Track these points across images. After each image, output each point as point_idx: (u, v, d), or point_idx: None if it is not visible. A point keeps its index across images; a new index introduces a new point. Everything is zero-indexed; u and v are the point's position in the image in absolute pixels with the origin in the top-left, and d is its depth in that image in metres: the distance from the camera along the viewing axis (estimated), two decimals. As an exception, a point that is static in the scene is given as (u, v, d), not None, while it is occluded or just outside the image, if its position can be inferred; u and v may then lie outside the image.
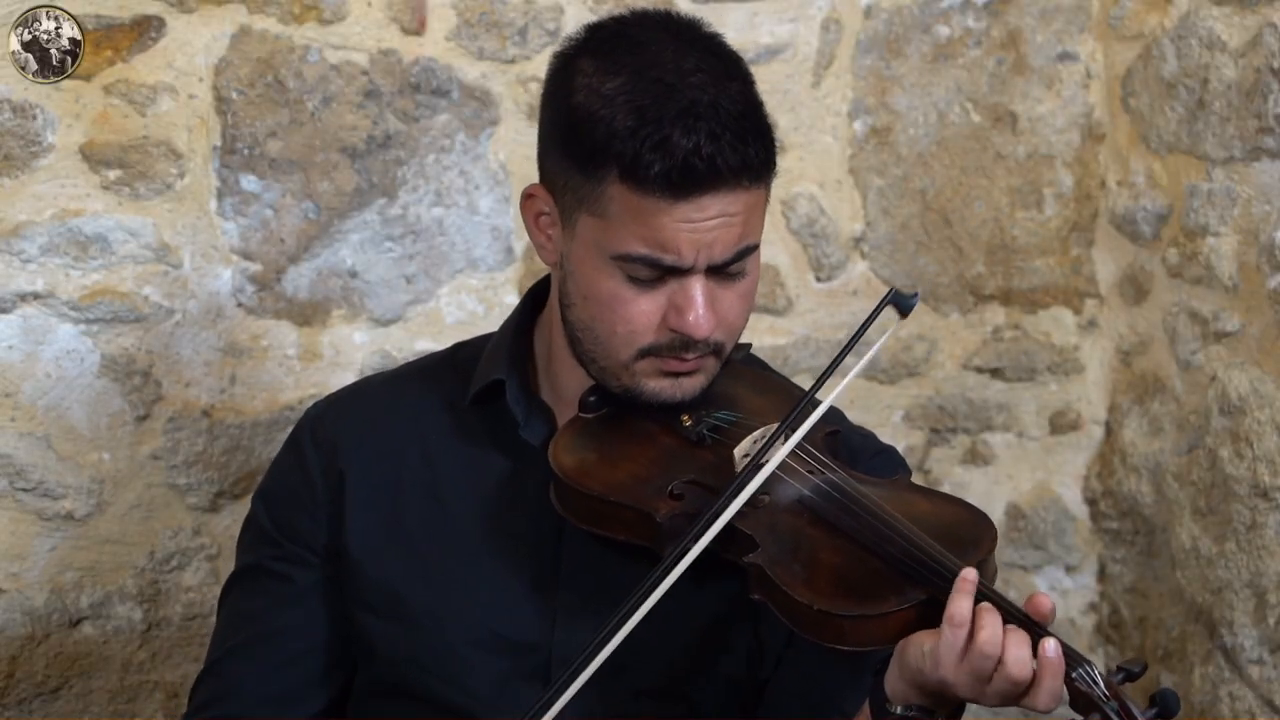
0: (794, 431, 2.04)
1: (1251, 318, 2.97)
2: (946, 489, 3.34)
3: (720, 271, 2.09)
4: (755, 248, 2.12)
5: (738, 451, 2.09)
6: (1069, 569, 3.39)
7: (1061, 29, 3.27)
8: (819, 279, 3.26)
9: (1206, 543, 3.05)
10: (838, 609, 1.93)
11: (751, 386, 2.23)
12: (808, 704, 2.14)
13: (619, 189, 2.04)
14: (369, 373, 2.98)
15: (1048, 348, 3.34)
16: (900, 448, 3.27)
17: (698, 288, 2.07)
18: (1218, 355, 3.04)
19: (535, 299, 2.28)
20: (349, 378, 2.98)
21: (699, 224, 2.04)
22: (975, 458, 3.35)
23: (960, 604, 1.88)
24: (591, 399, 2.18)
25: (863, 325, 2.08)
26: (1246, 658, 2.96)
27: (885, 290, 3.26)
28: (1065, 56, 3.28)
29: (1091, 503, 3.38)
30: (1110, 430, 3.35)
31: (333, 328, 3.00)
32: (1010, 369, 3.33)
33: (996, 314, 3.32)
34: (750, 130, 2.06)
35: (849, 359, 2.09)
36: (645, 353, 2.10)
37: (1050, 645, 1.87)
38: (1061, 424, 3.36)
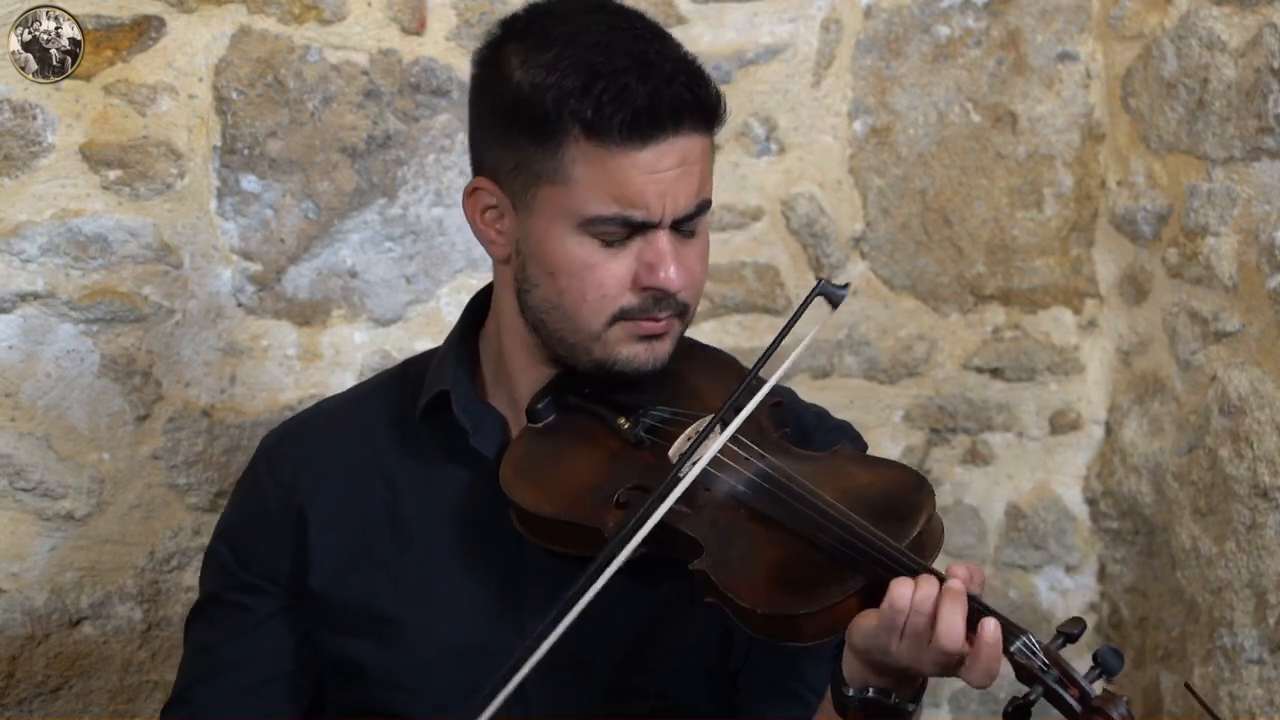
0: (725, 426, 2.04)
1: (1251, 318, 2.97)
2: (946, 489, 3.34)
3: (680, 229, 2.11)
4: (709, 204, 2.14)
5: (673, 452, 2.09)
6: (1069, 569, 3.39)
7: (1061, 29, 3.27)
8: (819, 279, 3.25)
9: (1206, 543, 3.05)
10: (783, 610, 1.94)
11: (706, 373, 2.23)
12: (778, 685, 2.14)
13: (581, 147, 2.06)
14: (369, 373, 2.98)
15: (1048, 348, 3.34)
16: (900, 448, 3.28)
17: (665, 240, 2.09)
18: (1218, 355, 3.04)
19: (476, 310, 2.28)
20: (349, 378, 2.98)
21: (662, 174, 2.06)
22: (975, 458, 3.35)
23: (901, 592, 1.89)
24: (539, 406, 2.18)
25: (793, 317, 2.11)
26: (1246, 658, 2.96)
27: (884, 291, 3.27)
28: (1065, 56, 3.28)
29: (1091, 503, 3.38)
30: (1110, 430, 3.35)
31: (333, 328, 3.00)
32: (1010, 369, 3.33)
33: (996, 314, 3.32)
34: (700, 75, 2.10)
35: (769, 363, 2.10)
36: (617, 317, 2.11)
37: (989, 625, 1.87)
38: (1061, 424, 3.36)
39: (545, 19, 2.13)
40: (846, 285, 2.14)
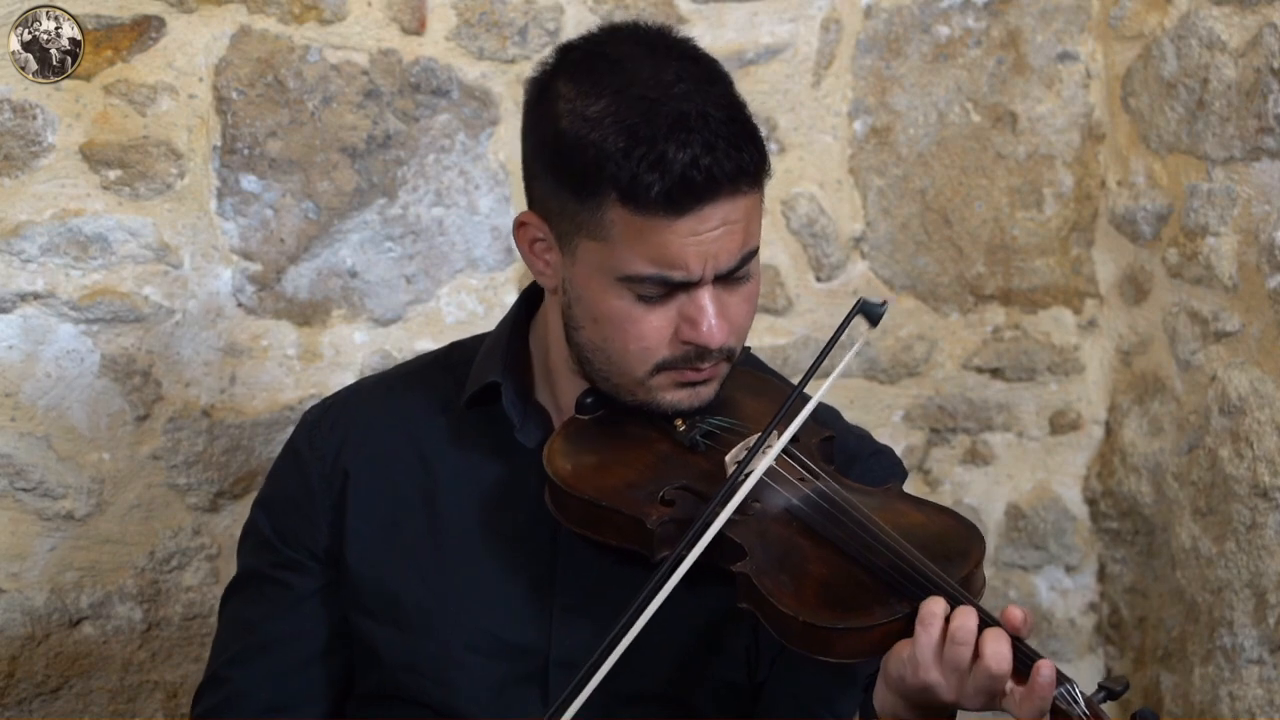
0: (782, 434, 2.04)
1: (1251, 318, 2.97)
2: (946, 489, 3.34)
3: (726, 279, 2.09)
4: (757, 250, 2.12)
5: (729, 458, 2.09)
6: (1069, 569, 3.39)
7: (1061, 29, 3.27)
8: (819, 279, 3.26)
9: (1206, 543, 3.05)
10: (823, 621, 1.93)
11: (748, 390, 2.22)
12: (801, 705, 2.14)
13: (619, 212, 2.03)
14: (369, 373, 2.98)
15: (1048, 348, 3.34)
16: (900, 448, 3.28)
17: (707, 298, 2.07)
18: (1218, 355, 3.04)
19: (530, 301, 2.28)
20: (349, 378, 2.98)
21: (703, 235, 2.04)
22: (975, 458, 3.35)
23: (931, 605, 1.89)
24: (588, 400, 2.17)
25: (834, 336, 2.09)
26: (1246, 658, 2.96)
27: (882, 290, 3.27)
28: (1065, 56, 3.28)
29: (1091, 503, 3.38)
30: (1110, 430, 3.35)
31: (333, 328, 3.00)
32: (1010, 369, 3.33)
33: (996, 314, 3.32)
34: (741, 134, 2.06)
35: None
36: (660, 367, 2.10)
37: (1044, 669, 1.87)
38: (1061, 424, 3.36)
39: (597, 61, 2.09)
40: (885, 302, 2.12)
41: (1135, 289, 3.26)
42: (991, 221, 3.29)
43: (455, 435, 2.23)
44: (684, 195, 2.01)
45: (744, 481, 2.00)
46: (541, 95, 2.12)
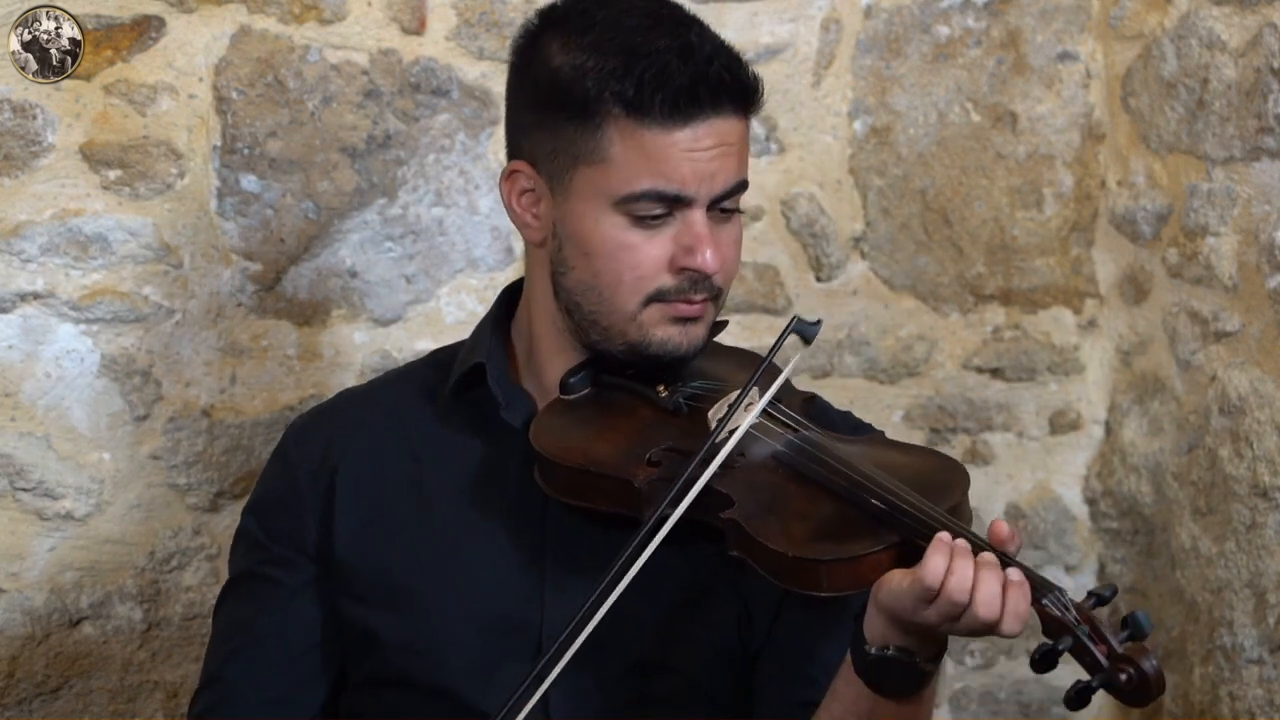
0: (765, 388, 2.06)
1: (1251, 318, 2.97)
2: (946, 489, 3.34)
3: (716, 209, 2.13)
4: (746, 184, 2.16)
5: (712, 414, 2.11)
6: (1069, 569, 3.39)
7: (1061, 29, 3.27)
8: (819, 279, 3.26)
9: (1206, 542, 3.05)
10: (813, 554, 1.94)
11: (727, 359, 2.25)
12: (802, 675, 2.14)
13: (621, 125, 2.08)
14: (369, 373, 2.98)
15: (1048, 348, 3.34)
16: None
17: (702, 223, 2.11)
18: (1218, 355, 3.04)
19: (508, 301, 2.30)
20: (349, 378, 2.98)
21: (700, 153, 2.08)
22: (975, 458, 3.35)
23: (935, 562, 1.89)
24: (572, 380, 2.20)
25: (767, 356, 2.10)
26: (1246, 658, 2.96)
27: (884, 291, 3.27)
28: (1065, 56, 3.28)
29: (1091, 502, 3.38)
30: (1110, 430, 3.35)
31: (333, 328, 3.00)
32: (1010, 369, 3.33)
33: (996, 314, 3.32)
34: (739, 58, 2.12)
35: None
36: (652, 298, 2.13)
37: (1013, 572, 1.88)
38: (1061, 424, 3.36)
39: (585, 4, 2.15)
40: (819, 321, 2.13)
41: (1135, 289, 3.26)
42: (991, 221, 3.29)
43: (441, 421, 2.25)
44: (688, 103, 2.07)
45: (728, 436, 2.02)
46: (528, 49, 2.17)
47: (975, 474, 3.35)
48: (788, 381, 2.12)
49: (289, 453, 2.30)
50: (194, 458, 2.93)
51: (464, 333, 2.73)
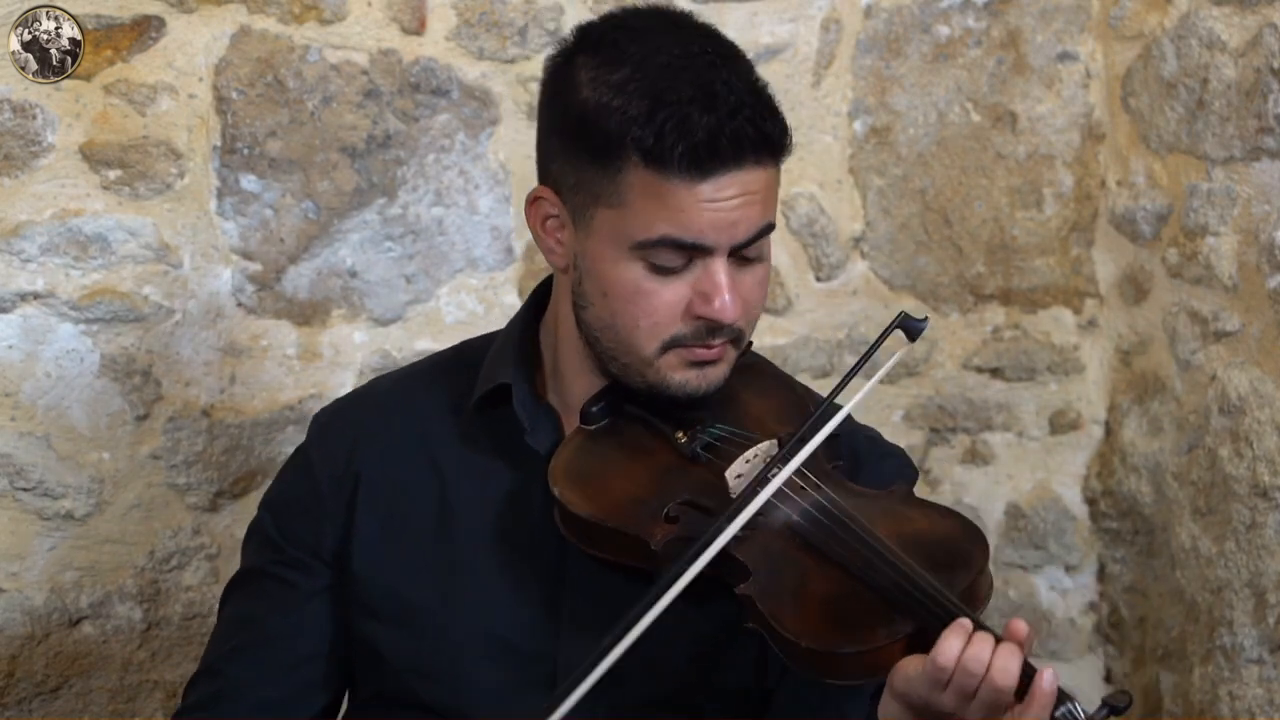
0: (787, 463, 2.01)
1: (1251, 318, 2.97)
2: (946, 489, 3.34)
3: (739, 255, 2.07)
4: (772, 227, 2.09)
5: (729, 473, 2.07)
6: (1069, 569, 3.39)
7: (1061, 29, 3.27)
8: (819, 279, 3.26)
9: (1206, 542, 3.05)
10: (827, 646, 1.92)
11: (756, 389, 2.20)
12: (812, 711, 2.13)
13: (640, 174, 2.02)
14: (369, 373, 2.98)
15: (1047, 347, 3.34)
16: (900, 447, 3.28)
17: (722, 271, 2.05)
18: (1218, 355, 3.04)
19: (539, 299, 2.26)
20: (349, 377, 2.98)
21: (722, 204, 2.02)
22: (975, 457, 3.35)
23: (950, 645, 1.87)
24: (594, 409, 2.15)
25: (871, 347, 2.07)
26: (1246, 657, 2.96)
27: (884, 291, 3.27)
28: (1065, 56, 3.28)
29: (1091, 502, 3.38)
30: (1110, 430, 3.35)
31: (332, 328, 3.00)
32: (1010, 369, 3.33)
33: (996, 314, 3.32)
34: (767, 107, 2.05)
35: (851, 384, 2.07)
36: (670, 344, 2.08)
37: (1047, 677, 1.86)
38: (1061, 424, 3.36)
39: (619, 34, 2.08)
40: (925, 319, 2.10)
41: (1135, 289, 3.26)
42: (991, 221, 3.29)
43: (465, 437, 2.21)
44: (707, 158, 2.00)
45: (748, 504, 1.97)
46: (561, 69, 2.10)
47: (975, 474, 3.37)
48: (813, 415, 2.05)
49: (312, 452, 2.26)
50: (194, 458, 2.93)
51: (464, 333, 2.73)
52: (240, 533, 2.99)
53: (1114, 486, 3.32)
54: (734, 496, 2.02)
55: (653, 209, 2.02)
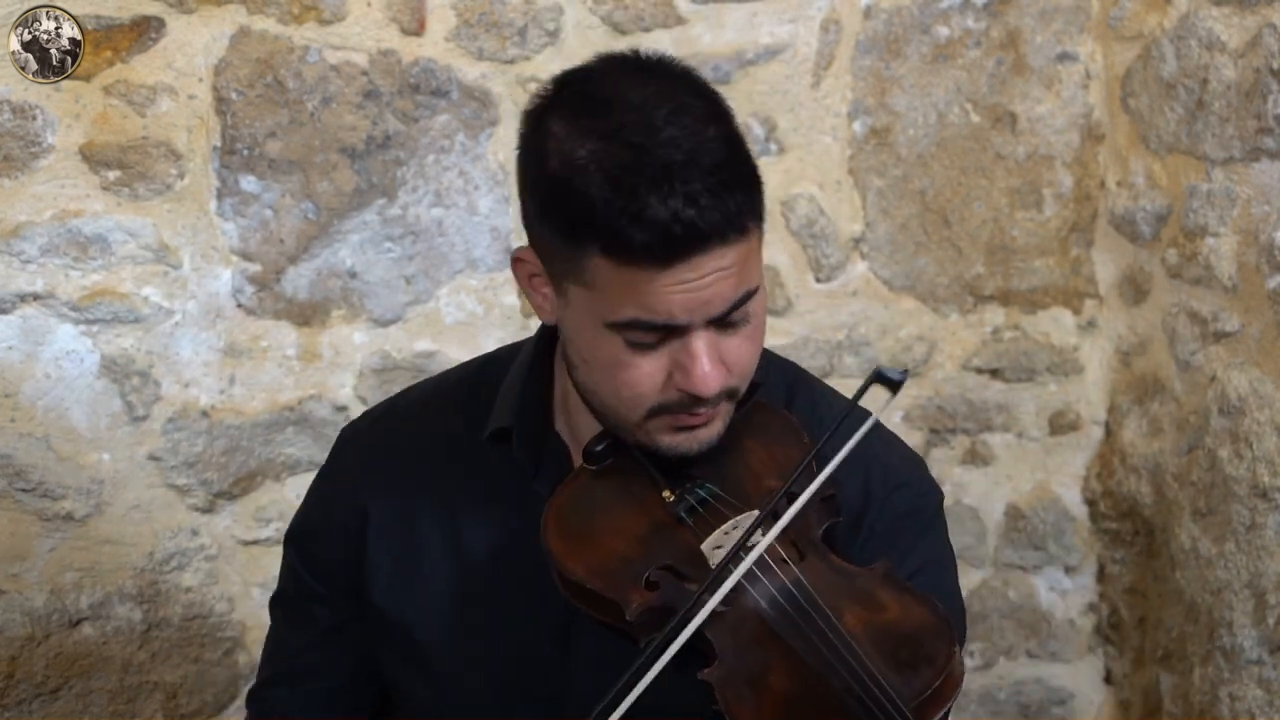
0: (768, 530, 1.98)
1: (1251, 318, 2.97)
2: (946, 489, 3.34)
3: (722, 321, 2.00)
4: (756, 290, 2.02)
5: (708, 545, 2.03)
6: (1069, 569, 3.39)
7: (1061, 29, 3.27)
8: (818, 279, 3.26)
9: (1206, 543, 3.05)
10: None
11: (758, 434, 2.15)
12: None
13: (602, 261, 1.95)
14: (368, 373, 2.98)
15: (1047, 348, 3.34)
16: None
17: (700, 345, 1.99)
18: (1217, 355, 3.04)
19: (551, 327, 2.21)
20: (348, 378, 2.98)
21: (691, 284, 1.95)
22: (975, 458, 3.35)
23: None
24: (597, 449, 2.12)
25: (850, 404, 2.01)
26: (1246, 658, 2.96)
27: (883, 292, 3.27)
28: (1065, 57, 3.28)
29: (1091, 503, 3.38)
30: (1110, 431, 3.35)
31: (332, 328, 3.00)
32: (1010, 369, 3.33)
33: (996, 314, 3.32)
34: (729, 181, 1.95)
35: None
36: (655, 411, 2.03)
37: None
38: (1061, 424, 3.36)
39: (589, 100, 2.00)
40: (905, 371, 2.04)
41: (1135, 289, 3.26)
42: (991, 222, 3.29)
43: (480, 470, 2.19)
44: (666, 250, 1.93)
45: (718, 589, 1.95)
46: (534, 130, 2.04)
47: (975, 474, 3.37)
48: (815, 459, 2.01)
49: (335, 475, 2.26)
50: (193, 458, 2.93)
51: (463, 333, 2.74)
52: (240, 533, 3.00)
53: (1114, 487, 3.32)
54: (713, 568, 1.99)
55: (619, 293, 1.96)
